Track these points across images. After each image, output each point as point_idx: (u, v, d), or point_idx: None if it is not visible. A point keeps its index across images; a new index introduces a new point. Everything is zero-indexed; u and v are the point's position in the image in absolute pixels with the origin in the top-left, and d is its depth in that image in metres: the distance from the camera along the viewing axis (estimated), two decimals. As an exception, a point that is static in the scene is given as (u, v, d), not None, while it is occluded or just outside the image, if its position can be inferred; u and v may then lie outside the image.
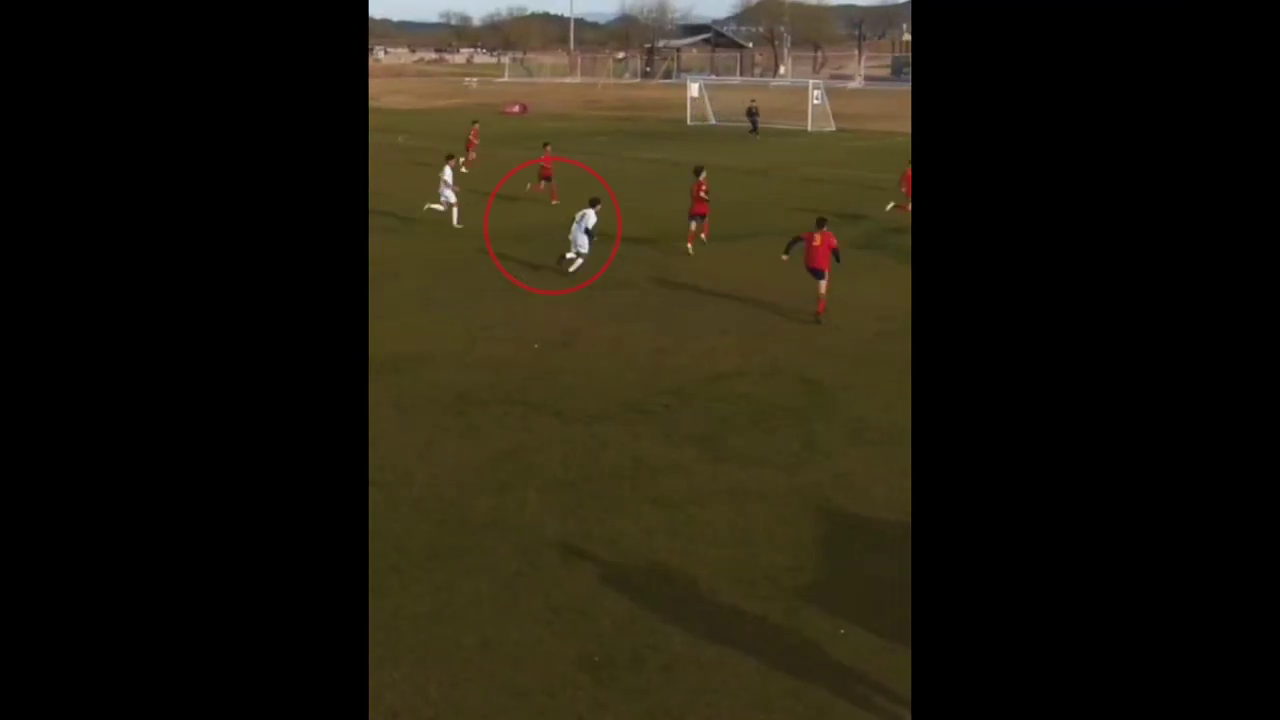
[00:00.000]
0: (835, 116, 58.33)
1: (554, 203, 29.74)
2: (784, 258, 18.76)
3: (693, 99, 61.35)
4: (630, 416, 13.19)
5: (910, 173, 27.40)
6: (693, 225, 23.80)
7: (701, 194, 23.66)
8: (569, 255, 21.06)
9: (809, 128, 56.18)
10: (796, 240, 18.45)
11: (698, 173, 24.08)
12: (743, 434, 12.58)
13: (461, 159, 33.68)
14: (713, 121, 60.93)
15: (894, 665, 7.86)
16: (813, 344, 16.35)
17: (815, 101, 58.22)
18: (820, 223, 18.11)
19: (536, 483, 11.16)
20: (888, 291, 19.52)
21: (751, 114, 55.49)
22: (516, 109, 72.37)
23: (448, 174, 27.27)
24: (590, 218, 20.94)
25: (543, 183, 31.33)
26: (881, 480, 11.18)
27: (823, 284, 17.82)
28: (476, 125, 40.31)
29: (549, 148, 32.17)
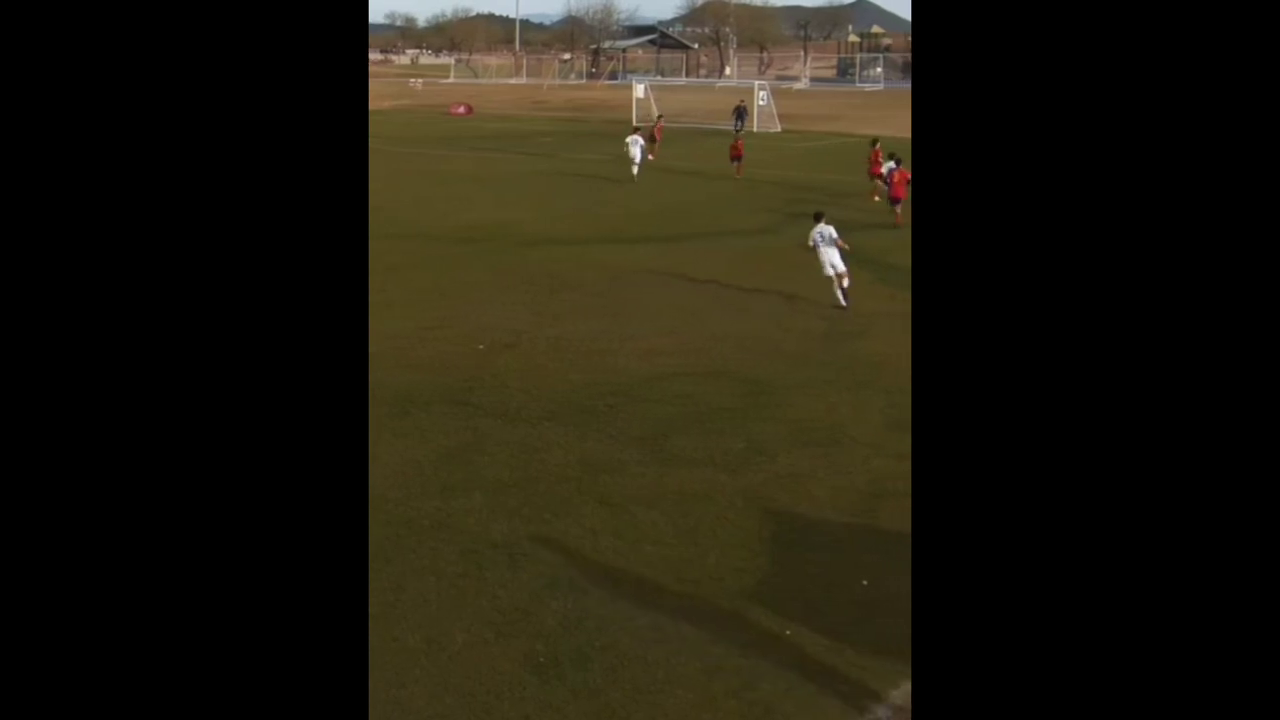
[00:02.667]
0: (781, 117, 58.61)
1: (650, 158, 36.80)
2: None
3: (638, 100, 61.39)
4: (575, 417, 13.20)
5: (878, 153, 30.32)
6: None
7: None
8: (836, 285, 18.80)
9: (754, 129, 56.39)
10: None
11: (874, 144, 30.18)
12: (686, 434, 12.64)
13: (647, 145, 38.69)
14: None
15: (840, 664, 7.94)
16: (756, 344, 16.43)
17: (761, 102, 58.49)
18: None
19: (481, 484, 11.15)
20: (831, 291, 19.65)
21: (740, 113, 55.82)
22: (462, 110, 72.12)
23: (635, 152, 35.65)
24: (830, 232, 18.91)
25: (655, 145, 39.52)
26: (824, 480, 11.27)
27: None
28: (662, 119, 46.37)
29: (662, 118, 42.58)
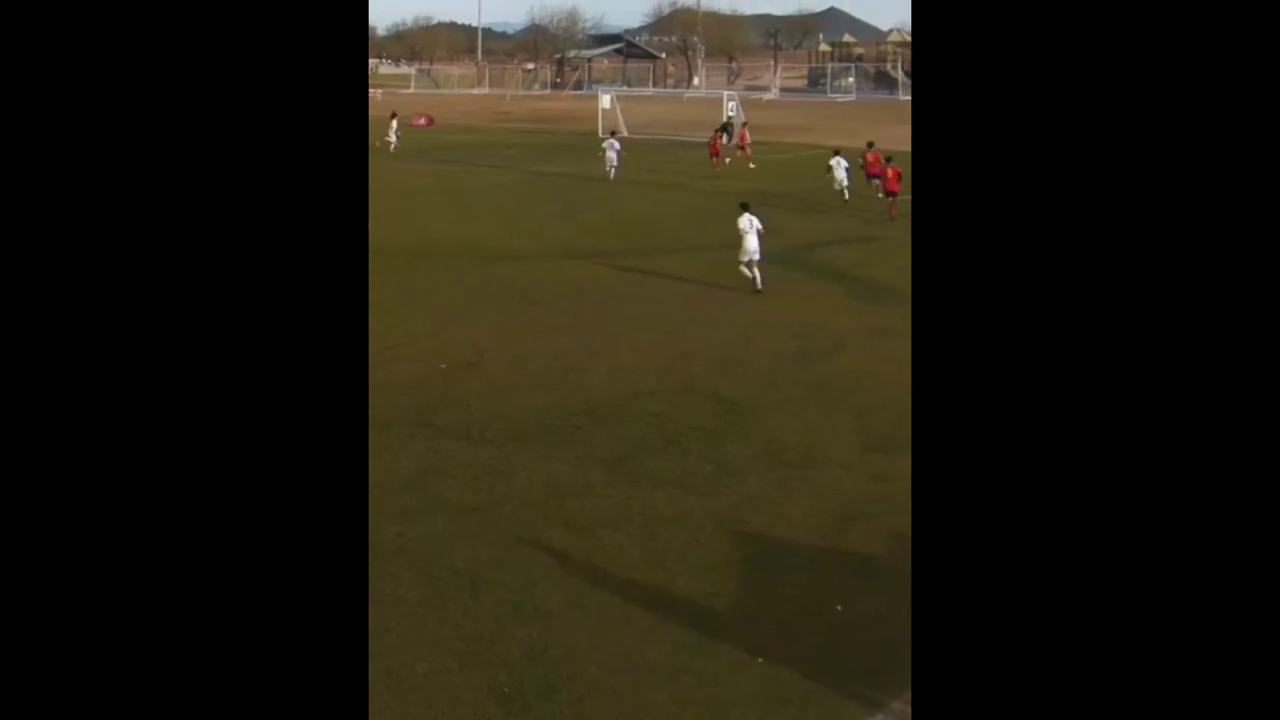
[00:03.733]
0: (752, 129, 58.72)
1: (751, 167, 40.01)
2: None
3: (604, 111, 61.47)
4: (540, 438, 13.18)
5: (876, 155, 32.90)
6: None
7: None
8: (746, 269, 21.44)
9: (724, 140, 56.52)
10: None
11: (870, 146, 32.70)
12: (656, 455, 12.64)
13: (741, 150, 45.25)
14: (624, 134, 61.08)
15: (812, 694, 7.95)
16: (727, 363, 16.46)
17: (730, 113, 58.61)
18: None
19: (443, 508, 11.12)
20: (804, 308, 19.75)
21: (727, 128, 56.04)
22: (423, 121, 71.98)
23: (611, 155, 39.71)
24: (756, 221, 21.54)
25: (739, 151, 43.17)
26: (797, 502, 11.30)
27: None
28: (746, 126, 49.09)
29: (747, 125, 45.10)
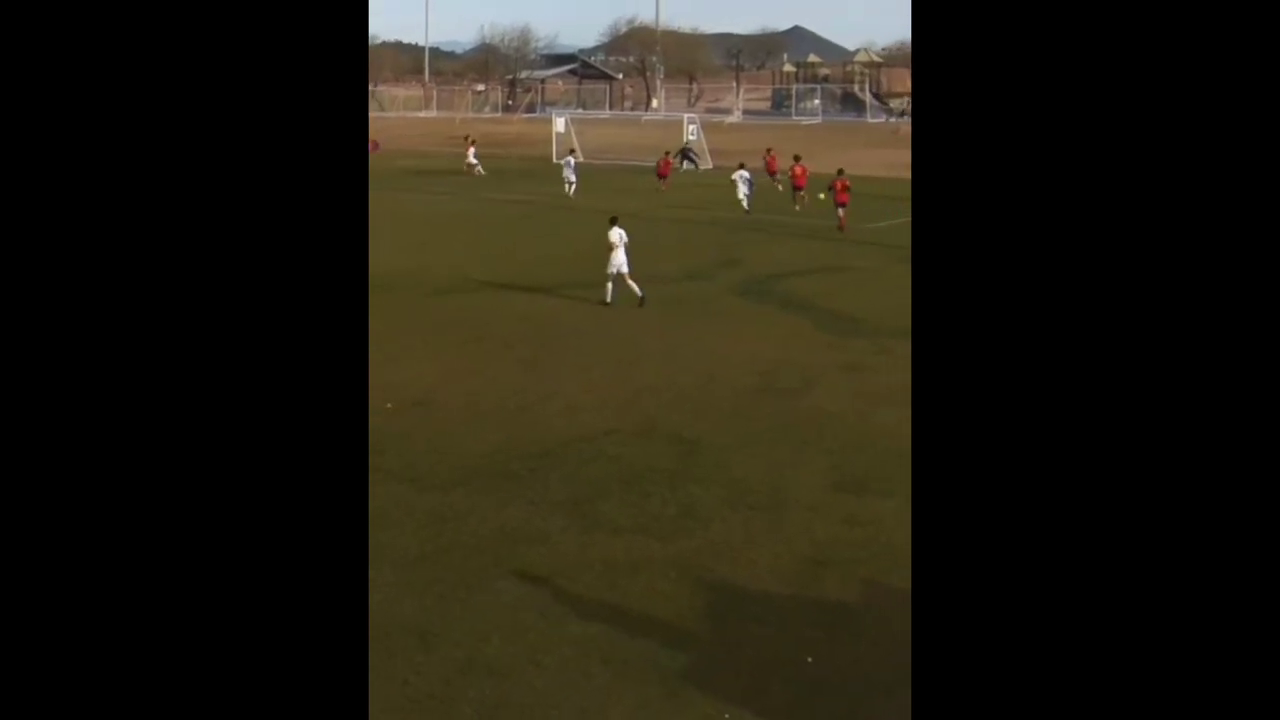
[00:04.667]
0: (712, 153, 59.15)
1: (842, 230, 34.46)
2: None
3: (559, 134, 61.68)
4: (492, 482, 13.11)
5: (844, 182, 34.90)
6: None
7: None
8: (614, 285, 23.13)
9: (683, 165, 56.85)
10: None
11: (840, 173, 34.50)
12: (614, 499, 12.59)
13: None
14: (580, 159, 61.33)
15: (780, 750, 7.90)
16: (689, 399, 16.46)
17: (691, 137, 58.98)
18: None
19: (389, 557, 11.00)
20: (768, 342, 19.80)
21: (687, 154, 56.38)
22: (369, 146, 71.98)
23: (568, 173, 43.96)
24: (624, 235, 23.33)
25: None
26: (764, 548, 11.27)
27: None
28: (771, 152, 49.19)
29: (801, 159, 41.15)
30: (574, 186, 43.99)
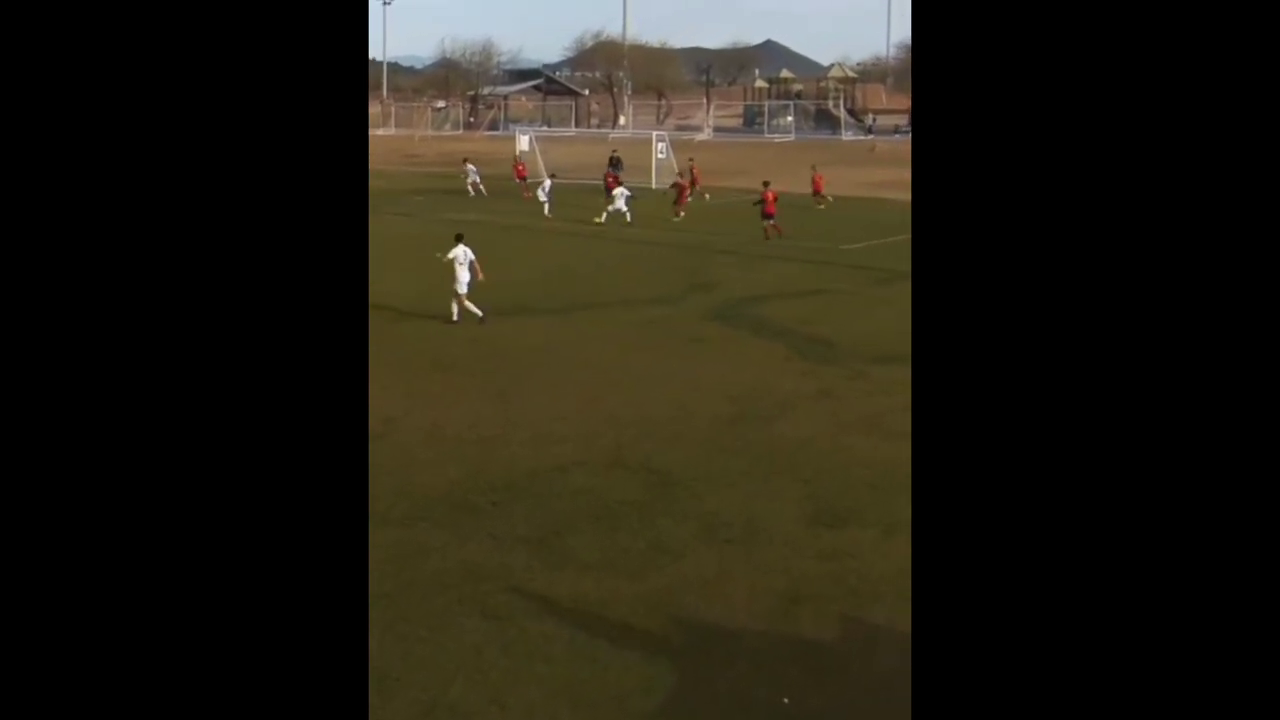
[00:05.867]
0: (681, 172, 59.22)
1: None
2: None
3: (522, 153, 61.68)
4: (454, 516, 13.10)
5: (774, 195, 38.10)
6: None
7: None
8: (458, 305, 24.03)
9: (653, 184, 56.88)
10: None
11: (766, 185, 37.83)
12: (582, 534, 12.60)
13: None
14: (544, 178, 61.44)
15: (756, 794, 7.92)
16: (660, 430, 16.49)
17: (659, 155, 58.95)
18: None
19: (347, 596, 10.98)
20: (744, 369, 19.84)
21: (614, 162, 56.13)
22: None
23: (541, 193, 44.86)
24: (470, 254, 24.14)
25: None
26: (738, 583, 11.29)
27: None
28: (816, 169, 49.16)
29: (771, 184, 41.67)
30: (549, 205, 44.87)
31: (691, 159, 53.39)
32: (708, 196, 47.83)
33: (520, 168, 54.48)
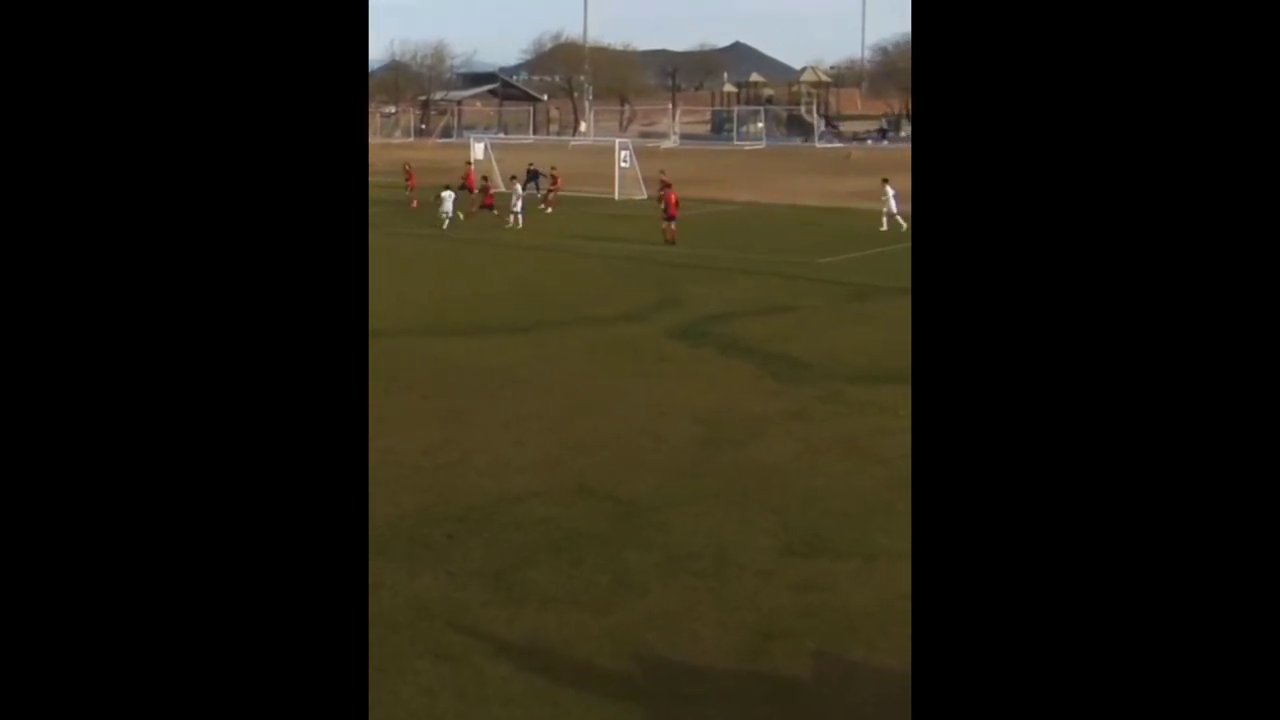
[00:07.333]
0: (646, 181, 59.25)
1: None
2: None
3: (477, 161, 61.67)
4: (406, 550, 13.04)
5: (674, 196, 40.39)
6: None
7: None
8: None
9: (616, 195, 56.99)
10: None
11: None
12: (542, 567, 12.57)
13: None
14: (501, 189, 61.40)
15: (727, 843, 7.91)
16: (624, 456, 16.48)
17: (623, 164, 59.03)
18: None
19: (293, 636, 10.93)
20: (712, 390, 19.87)
21: (533, 176, 55.64)
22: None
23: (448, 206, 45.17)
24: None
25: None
26: (707, 618, 11.29)
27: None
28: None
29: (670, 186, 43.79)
30: (520, 217, 45.64)
31: (663, 171, 52.62)
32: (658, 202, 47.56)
33: (470, 176, 54.45)
